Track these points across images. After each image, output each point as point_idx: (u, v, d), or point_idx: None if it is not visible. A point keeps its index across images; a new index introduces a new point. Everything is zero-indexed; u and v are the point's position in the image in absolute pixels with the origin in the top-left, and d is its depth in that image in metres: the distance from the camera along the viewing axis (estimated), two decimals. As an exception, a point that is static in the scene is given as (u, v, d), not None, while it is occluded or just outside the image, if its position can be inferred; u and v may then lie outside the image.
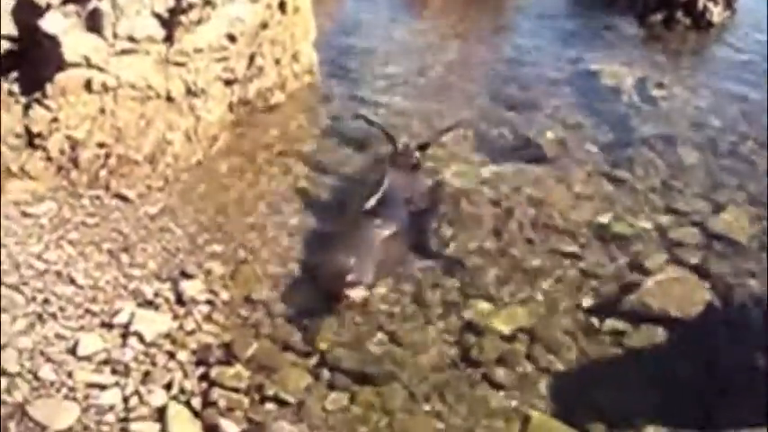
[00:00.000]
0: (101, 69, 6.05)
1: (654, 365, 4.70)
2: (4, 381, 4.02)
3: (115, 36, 6.09)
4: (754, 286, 5.39)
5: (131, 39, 6.15)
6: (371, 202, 5.76)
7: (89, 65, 6.02)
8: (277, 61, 7.57)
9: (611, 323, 5.00)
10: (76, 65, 5.99)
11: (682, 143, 7.23)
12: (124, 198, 5.83)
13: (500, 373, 4.56)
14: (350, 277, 4.97)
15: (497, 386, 4.48)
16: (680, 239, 5.83)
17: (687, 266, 5.54)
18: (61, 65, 5.98)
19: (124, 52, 6.14)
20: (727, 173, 6.80)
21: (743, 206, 6.30)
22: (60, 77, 5.98)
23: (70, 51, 5.94)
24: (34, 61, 6.08)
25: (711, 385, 4.56)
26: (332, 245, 5.44)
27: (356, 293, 4.95)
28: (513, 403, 4.38)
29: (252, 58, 7.21)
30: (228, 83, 7.00)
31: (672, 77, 8.65)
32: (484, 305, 5.07)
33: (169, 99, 6.43)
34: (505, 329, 4.88)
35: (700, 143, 7.27)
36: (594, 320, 5.02)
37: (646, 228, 5.95)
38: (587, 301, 5.17)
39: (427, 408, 4.32)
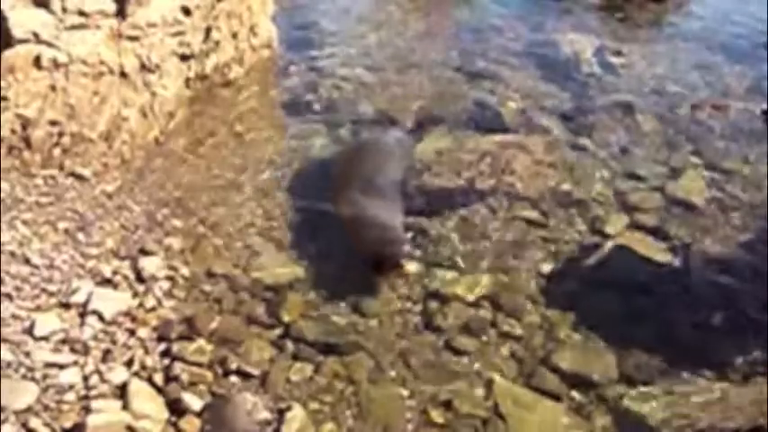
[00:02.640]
0: (50, 45, 5.88)
1: (614, 327, 4.77)
2: (-41, 363, 3.93)
3: (64, 10, 5.93)
4: (710, 248, 5.49)
5: (81, 13, 5.99)
6: None
7: (38, 40, 5.85)
8: (234, 35, 7.44)
9: (571, 286, 5.06)
10: (24, 41, 5.82)
11: (640, 110, 7.31)
12: (79, 177, 5.71)
13: (463, 340, 4.59)
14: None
15: (461, 352, 4.51)
16: (639, 204, 5.92)
17: (646, 230, 5.62)
18: (9, 41, 5.79)
19: (74, 27, 5.97)
20: (684, 138, 6.90)
21: (700, 170, 6.41)
22: (8, 54, 5.80)
23: (18, 27, 5.76)
24: (-20, 38, 5.89)
25: (669, 346, 4.65)
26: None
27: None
28: (477, 368, 4.42)
29: (208, 32, 7.07)
30: (184, 58, 6.86)
31: (630, 46, 8.71)
32: (447, 273, 5.09)
33: (123, 75, 6.29)
34: (469, 296, 4.91)
35: (658, 110, 7.36)
36: (556, 285, 5.07)
37: (605, 193, 6.02)
38: (548, 266, 5.22)
39: (392, 375, 4.33)
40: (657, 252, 5.42)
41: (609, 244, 5.41)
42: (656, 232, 5.62)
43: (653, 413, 4.20)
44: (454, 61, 8.15)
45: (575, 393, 4.31)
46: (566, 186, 6.07)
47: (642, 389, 4.35)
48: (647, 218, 5.76)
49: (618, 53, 8.46)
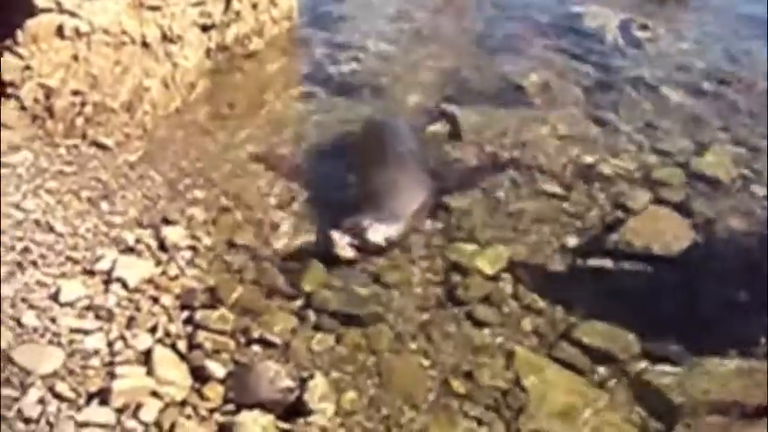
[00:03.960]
0: (73, 14, 5.86)
1: (637, 302, 4.74)
2: (-14, 328, 3.97)
3: (86, -21, 5.91)
4: (735, 224, 5.43)
5: (103, -19, 5.97)
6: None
7: (61, 10, 5.83)
8: (255, 6, 7.41)
9: (594, 261, 5.03)
10: (48, 10, 5.80)
11: (665, 85, 7.20)
12: (102, 146, 5.73)
13: (485, 312, 4.58)
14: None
15: (482, 324, 4.50)
16: (663, 179, 5.85)
17: (670, 205, 5.56)
18: (32, 10, 5.78)
19: (96, -4, 5.95)
20: (710, 114, 6.80)
21: (725, 146, 6.32)
22: (31, 24, 5.79)
23: (40, -4, 5.75)
24: (3, 8, 5.88)
25: (693, 321, 4.61)
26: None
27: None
28: (499, 340, 4.41)
29: (229, 3, 7.04)
30: (205, 28, 6.85)
31: (656, 20, 8.57)
32: (468, 246, 5.07)
33: (145, 45, 6.28)
34: (490, 270, 4.88)
35: (684, 85, 7.26)
36: (578, 259, 5.04)
37: (629, 168, 5.95)
38: (571, 241, 5.18)
39: (413, 346, 4.33)
40: (681, 228, 5.36)
41: (632, 219, 5.35)
42: (681, 208, 5.55)
43: (675, 388, 4.16)
44: (475, 34, 8.08)
45: (597, 367, 4.29)
46: (589, 161, 6.01)
47: (665, 364, 4.31)
48: (671, 193, 5.70)
49: (643, 27, 8.34)
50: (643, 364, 4.32)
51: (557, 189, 5.66)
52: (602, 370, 4.29)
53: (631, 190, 5.70)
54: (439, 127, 6.38)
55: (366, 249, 4.89)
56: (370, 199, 5.27)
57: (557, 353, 4.35)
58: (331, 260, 4.82)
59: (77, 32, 5.88)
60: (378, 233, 4.93)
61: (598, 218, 5.40)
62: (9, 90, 5.74)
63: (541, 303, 4.67)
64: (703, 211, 5.52)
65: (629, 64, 7.61)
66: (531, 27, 8.16)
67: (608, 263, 5.02)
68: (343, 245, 4.85)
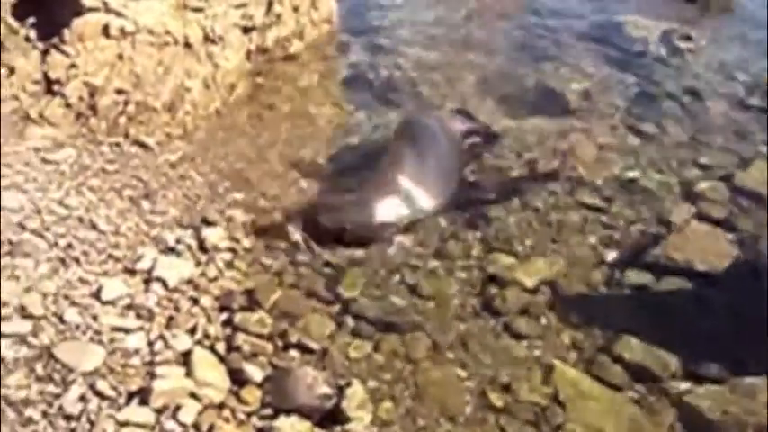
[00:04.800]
0: (119, 14, 5.95)
1: (678, 319, 4.66)
2: (30, 324, 4.02)
3: (133, -21, 5.98)
4: (779, 241, 5.31)
5: (149, -18, 6.04)
6: None
7: (107, 9, 5.93)
8: (296, 9, 7.43)
9: (634, 276, 4.95)
10: (94, 9, 5.90)
11: (708, 97, 7.08)
12: (143, 145, 5.79)
13: (523, 324, 4.53)
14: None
15: (520, 337, 4.46)
16: (706, 194, 5.73)
17: (712, 220, 5.45)
18: (79, 9, 5.88)
19: (142, -4, 6.03)
20: (754, 127, 6.66)
21: (769, 161, 6.18)
22: (78, 22, 5.89)
23: (88, -5, 5.84)
24: (51, 6, 5.98)
25: (735, 340, 4.52)
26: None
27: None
28: (537, 353, 4.36)
29: (270, 5, 7.08)
30: (246, 30, 6.89)
31: (699, 30, 8.42)
32: (506, 257, 5.02)
33: (187, 45, 6.34)
34: (529, 281, 4.84)
35: (726, 97, 7.12)
36: (618, 273, 4.97)
37: (671, 182, 5.86)
38: (611, 255, 5.11)
39: (450, 356, 4.31)
40: (724, 244, 5.25)
41: (674, 234, 5.26)
42: (723, 223, 5.43)
43: (716, 409, 4.08)
44: (515, 41, 8.01)
45: (636, 384, 4.22)
46: (630, 173, 5.92)
47: (706, 384, 4.23)
48: (713, 208, 5.58)
49: (685, 37, 8.19)
50: (683, 383, 4.24)
51: (597, 201, 5.58)
52: (641, 387, 4.22)
53: (673, 204, 5.61)
54: (477, 134, 6.32)
55: (317, 234, 4.90)
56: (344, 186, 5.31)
57: (595, 369, 4.30)
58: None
59: (123, 32, 5.96)
60: (330, 218, 4.93)
61: (639, 232, 5.32)
62: (55, 87, 5.84)
63: (580, 317, 4.62)
64: (746, 228, 5.41)
65: (671, 75, 7.49)
66: (571, 35, 8.07)
67: (648, 278, 4.94)
68: (293, 227, 4.90)
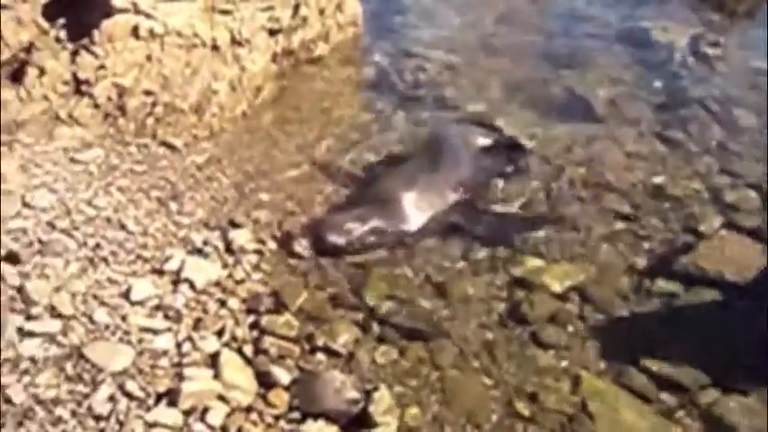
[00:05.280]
0: (148, 16, 5.99)
1: (707, 329, 4.60)
2: (60, 323, 4.05)
3: (163, -19, 6.02)
4: (812, 252, 5.22)
5: (178, -16, 6.08)
6: None
7: (136, 11, 5.96)
8: (321, 11, 7.44)
9: (663, 285, 4.89)
10: (124, 11, 5.94)
11: (737, 104, 6.99)
12: (171, 146, 5.82)
13: (550, 333, 4.49)
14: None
15: (548, 346, 4.41)
16: (735, 202, 5.66)
17: (743, 230, 5.38)
18: (108, 10, 5.92)
19: (171, -2, 6.06)
20: (784, 135, 6.58)
21: (800, 169, 6.10)
22: (107, 24, 5.94)
23: (118, -4, 5.89)
24: (82, 7, 6.03)
25: (765, 349, 4.44)
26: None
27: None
28: (564, 363, 4.32)
29: (297, 8, 7.09)
30: (273, 33, 6.90)
31: (727, 36, 8.34)
32: (533, 262, 4.99)
33: (214, 48, 6.37)
34: (556, 288, 4.80)
35: (755, 104, 7.02)
36: (647, 282, 4.91)
37: (700, 190, 5.79)
38: (640, 262, 5.06)
39: (476, 364, 4.28)
40: (755, 254, 5.18)
41: (703, 243, 5.20)
42: (754, 233, 5.36)
43: (745, 421, 4.03)
44: (541, 46, 7.97)
45: (664, 395, 4.17)
46: (658, 181, 5.87)
47: (737, 396, 4.17)
48: (743, 217, 5.51)
49: (714, 44, 8.11)
50: (712, 395, 4.18)
51: (625, 208, 5.54)
52: (670, 399, 4.17)
53: (702, 213, 5.54)
54: (502, 146, 6.29)
55: (324, 250, 4.88)
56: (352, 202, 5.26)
57: (624, 379, 4.25)
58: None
59: (152, 33, 6.00)
60: (337, 233, 4.91)
61: (667, 240, 5.26)
62: (84, 88, 5.89)
63: (608, 326, 4.57)
64: (777, 237, 5.34)
65: (699, 81, 7.41)
66: (598, 41, 8.01)
67: (678, 287, 4.88)
68: (300, 243, 4.88)
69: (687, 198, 5.69)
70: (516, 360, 4.32)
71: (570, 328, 4.54)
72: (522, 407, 4.02)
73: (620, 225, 5.37)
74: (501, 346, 4.40)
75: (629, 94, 7.03)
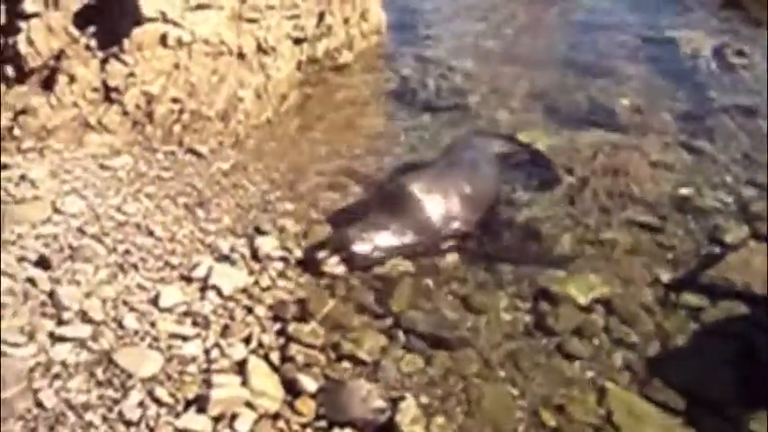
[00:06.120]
0: (176, 24, 6.08)
1: (734, 342, 4.56)
2: (90, 328, 4.11)
3: (191, -9, 6.10)
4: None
5: (207, -7, 6.16)
6: None
7: (165, 20, 6.05)
8: (346, 20, 7.51)
9: (690, 297, 4.86)
10: (153, 20, 6.03)
11: (762, 114, 6.94)
12: (197, 153, 5.89)
13: (576, 344, 4.48)
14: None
15: (573, 357, 4.40)
16: (761, 213, 5.62)
17: (769, 241, 5.34)
18: (138, 19, 6.01)
19: (199, 7, 6.16)
20: (811, 146, 6.51)
21: (828, 180, 6.04)
22: (137, 32, 6.02)
23: (147, 6, 5.99)
24: (111, 16, 6.13)
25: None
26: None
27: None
28: (590, 374, 4.31)
29: (321, 17, 7.16)
30: (298, 41, 6.98)
31: (753, 45, 8.28)
32: (558, 274, 4.98)
33: (240, 56, 6.45)
34: (581, 299, 4.79)
35: (782, 114, 6.97)
36: (673, 294, 4.88)
37: (726, 200, 5.76)
38: (665, 274, 5.03)
39: (502, 374, 4.28)
40: (782, 266, 5.14)
41: (730, 255, 5.16)
42: (781, 245, 5.33)
43: (773, 435, 4.01)
44: (564, 55, 7.98)
45: (692, 408, 4.14)
46: (683, 191, 5.84)
47: (762, 409, 4.14)
48: (771, 229, 5.48)
49: (739, 52, 8.07)
50: (741, 410, 4.14)
51: (650, 219, 5.51)
52: (697, 412, 4.13)
53: (728, 224, 5.50)
54: (526, 149, 6.30)
55: (354, 262, 4.87)
56: (367, 212, 5.23)
57: (650, 391, 4.22)
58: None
59: (179, 42, 6.09)
60: (363, 244, 4.90)
61: (693, 252, 5.23)
62: (113, 95, 5.98)
63: (634, 338, 4.55)
64: (805, 250, 5.28)
65: (724, 91, 7.37)
66: (622, 50, 8.00)
67: (704, 300, 4.85)
68: (329, 262, 4.85)
69: (713, 209, 5.66)
70: (542, 371, 4.31)
71: (596, 341, 4.53)
72: (549, 417, 4.02)
73: (645, 236, 5.35)
74: (526, 356, 4.40)
75: (654, 104, 7.01)
